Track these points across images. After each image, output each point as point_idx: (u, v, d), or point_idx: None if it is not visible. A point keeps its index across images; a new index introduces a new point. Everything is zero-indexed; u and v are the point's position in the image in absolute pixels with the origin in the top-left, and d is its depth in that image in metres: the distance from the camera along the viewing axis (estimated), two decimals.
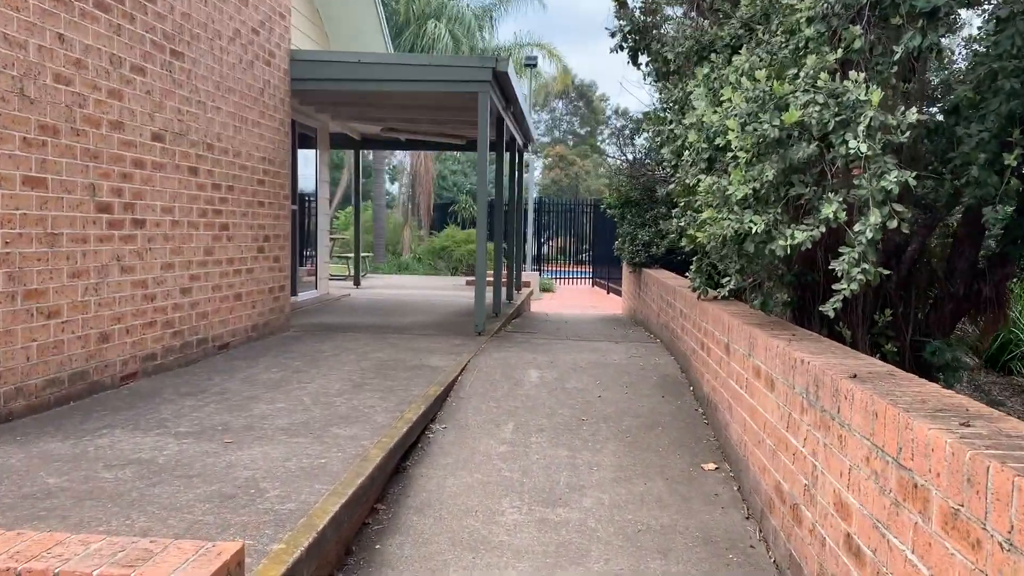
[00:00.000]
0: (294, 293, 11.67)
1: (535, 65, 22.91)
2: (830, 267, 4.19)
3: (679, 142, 6.83)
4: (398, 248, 25.77)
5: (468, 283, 17.09)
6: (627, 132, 12.65)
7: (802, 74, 4.44)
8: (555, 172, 52.02)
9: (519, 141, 13.62)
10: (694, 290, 6.65)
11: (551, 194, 49.97)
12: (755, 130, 4.49)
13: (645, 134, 12.29)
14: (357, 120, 12.98)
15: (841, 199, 4.17)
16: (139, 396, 5.69)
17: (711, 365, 6.01)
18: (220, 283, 7.51)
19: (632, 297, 13.13)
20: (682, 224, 6.80)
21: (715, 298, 6.50)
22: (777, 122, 4.36)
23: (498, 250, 12.67)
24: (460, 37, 24.46)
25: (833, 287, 4.11)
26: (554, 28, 78.65)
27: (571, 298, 19.64)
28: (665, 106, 8.26)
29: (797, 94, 4.33)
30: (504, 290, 13.20)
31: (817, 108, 4.17)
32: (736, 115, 4.66)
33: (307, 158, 12.55)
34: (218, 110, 7.42)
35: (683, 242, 6.91)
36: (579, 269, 24.96)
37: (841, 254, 4.07)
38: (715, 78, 5.93)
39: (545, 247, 26.15)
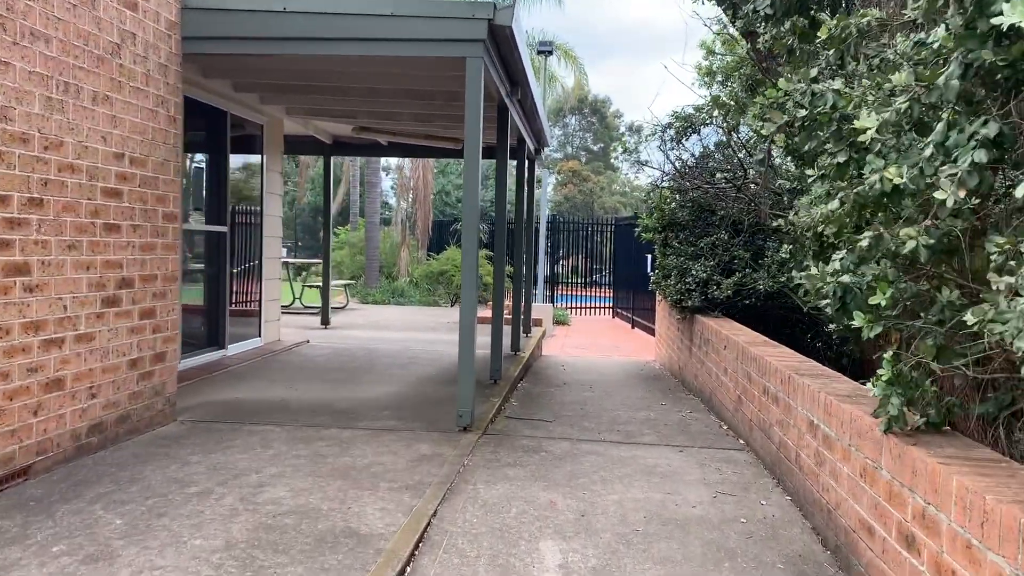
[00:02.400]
0: (221, 346, 8.39)
1: (550, 52, 19.51)
2: None
3: (837, 125, 3.53)
4: (394, 271, 22.49)
5: None
6: (672, 132, 9.24)
7: None
8: (568, 188, 48.85)
9: (529, 145, 10.36)
10: (882, 418, 3.27)
11: (564, 211, 46.81)
12: None
13: (709, 127, 8.98)
14: (318, 114, 9.75)
15: None
16: None
17: None
18: (5, 366, 4.24)
19: (676, 347, 9.82)
20: (834, 268, 3.47)
21: (917, 429, 3.17)
22: None
23: (499, 283, 9.41)
24: None
25: None
26: (569, 41, 75.52)
27: (590, 334, 16.29)
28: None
29: None
30: (510, 335, 9.90)
31: None
32: None
33: (252, 166, 9.32)
34: (4, 68, 4.18)
35: (810, 296, 3.70)
36: (597, 294, 21.59)
37: None
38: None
39: (558, 266, 22.83)
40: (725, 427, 6.54)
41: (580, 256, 23.73)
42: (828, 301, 3.41)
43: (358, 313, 15.05)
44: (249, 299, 9.30)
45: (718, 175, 9.24)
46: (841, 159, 3.41)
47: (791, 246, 5.93)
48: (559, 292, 21.42)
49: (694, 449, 5.80)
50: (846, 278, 3.25)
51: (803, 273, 3.74)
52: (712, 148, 9.56)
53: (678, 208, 9.68)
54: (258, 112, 9.11)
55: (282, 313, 12.72)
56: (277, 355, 8.95)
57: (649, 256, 15.78)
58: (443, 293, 18.71)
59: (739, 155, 8.50)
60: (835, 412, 3.90)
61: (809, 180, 4.10)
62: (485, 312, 12.98)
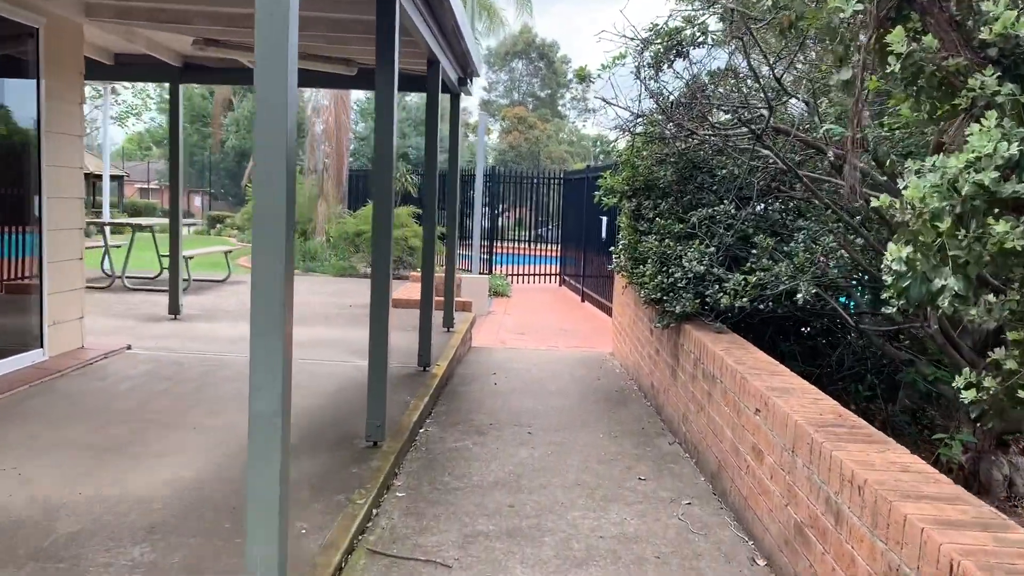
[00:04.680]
0: None
1: None
2: None
3: None
4: (310, 229, 19.16)
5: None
6: (650, 54, 6.21)
7: None
8: (513, 136, 45.66)
9: (449, 71, 7.25)
10: None
11: (509, 160, 43.56)
12: None
13: (703, 48, 6.02)
14: (130, 16, 6.45)
15: None
16: None
17: None
18: None
19: (647, 355, 6.95)
20: None
21: None
22: None
23: (429, 249, 6.51)
24: None
25: None
26: None
27: (534, 310, 13.37)
28: None
29: None
30: (437, 322, 6.90)
31: None
32: None
33: (25, 89, 6.03)
34: None
35: None
36: (542, 254, 18.60)
37: None
38: None
39: (499, 222, 19.72)
40: (763, 562, 3.67)
41: (524, 211, 20.67)
42: None
43: (236, 289, 11.79)
44: (22, 290, 6.10)
45: (722, 116, 6.27)
46: None
47: (907, 242, 3.09)
48: (499, 251, 18.32)
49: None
50: None
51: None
52: (707, 79, 6.56)
53: (656, 164, 6.71)
54: (29, 10, 5.83)
55: (139, 289, 9.53)
56: (54, 381, 5.80)
57: (604, 219, 12.86)
58: (361, 258, 15.54)
59: (759, 84, 5.52)
60: None
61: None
62: (402, 291, 9.82)
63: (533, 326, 11.63)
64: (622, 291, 8.56)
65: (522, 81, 58.44)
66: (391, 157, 4.68)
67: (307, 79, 8.09)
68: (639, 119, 6.74)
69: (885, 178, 4.93)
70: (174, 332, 7.76)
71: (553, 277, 17.65)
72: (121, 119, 33.44)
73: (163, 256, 11.01)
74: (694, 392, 5.23)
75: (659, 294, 5.87)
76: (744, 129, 5.48)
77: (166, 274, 11.84)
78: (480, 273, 15.32)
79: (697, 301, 5.49)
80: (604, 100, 6.89)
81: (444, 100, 8.07)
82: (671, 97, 6.65)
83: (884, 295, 3.75)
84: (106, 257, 10.78)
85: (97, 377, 5.96)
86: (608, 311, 12.43)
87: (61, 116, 6.27)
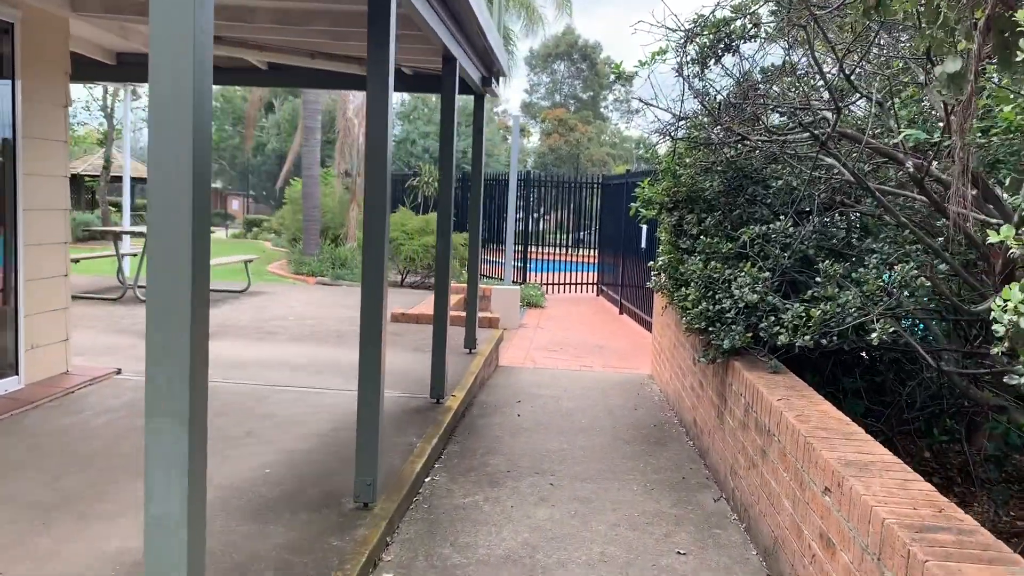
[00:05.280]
0: None
1: None
2: None
3: None
4: (342, 234, 18.60)
5: (406, 318, 10.01)
6: (694, 49, 5.39)
7: None
8: (554, 138, 44.90)
9: (469, 70, 6.53)
10: None
11: (549, 163, 42.80)
12: None
13: (755, 42, 5.24)
14: (119, 9, 5.84)
15: None
16: None
17: None
18: None
19: (689, 386, 6.14)
20: None
21: None
22: None
23: (443, 263, 5.87)
24: None
25: None
26: None
27: (568, 324, 12.59)
28: None
29: None
30: (457, 342, 6.17)
31: None
32: None
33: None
34: None
35: None
36: (579, 260, 17.73)
37: None
38: None
39: (535, 225, 18.87)
40: None
41: (561, 216, 19.84)
42: None
43: (254, 302, 11.21)
44: None
45: (775, 118, 5.45)
46: None
47: None
48: (534, 257, 17.51)
49: None
50: None
51: None
52: (760, 77, 5.73)
53: (701, 174, 5.91)
54: (1, 2, 5.24)
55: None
56: (23, 415, 5.18)
57: (644, 227, 12.03)
58: (390, 266, 14.88)
59: (824, 81, 4.68)
60: None
61: None
62: (427, 304, 9.28)
63: (566, 342, 10.86)
64: (663, 310, 7.75)
65: (564, 83, 57.77)
66: (385, 154, 3.96)
67: (316, 80, 7.44)
68: (681, 122, 5.94)
69: (976, 191, 4.07)
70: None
71: (590, 287, 16.83)
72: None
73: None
74: (744, 444, 4.42)
75: (703, 323, 5.06)
76: (805, 134, 4.65)
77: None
78: (513, 282, 14.59)
79: (749, 335, 4.68)
80: (642, 101, 6.10)
81: (467, 101, 7.34)
82: (718, 97, 5.85)
83: (994, 349, 2.94)
84: (121, 266, 10.25)
85: (73, 410, 5.34)
86: (647, 325, 11.61)
87: (41, 119, 5.68)
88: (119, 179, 31.36)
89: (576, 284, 16.81)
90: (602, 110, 56.80)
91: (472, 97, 7.55)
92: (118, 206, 31.41)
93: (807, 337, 4.13)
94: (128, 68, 7.57)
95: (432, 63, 6.17)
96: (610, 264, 15.34)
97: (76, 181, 29.35)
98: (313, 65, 6.97)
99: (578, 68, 56.75)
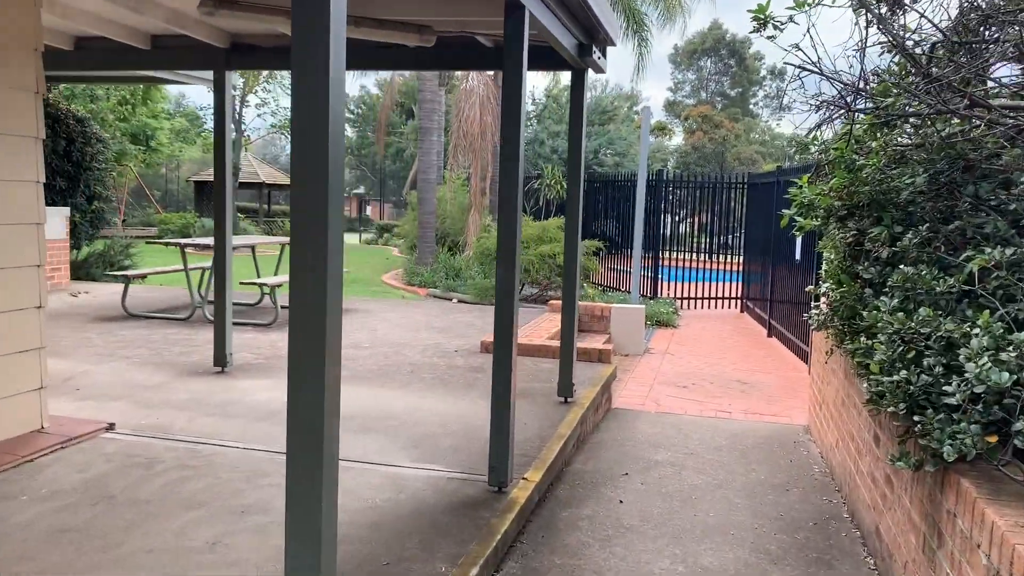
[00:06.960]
0: None
1: None
2: None
3: None
4: (461, 242, 17.22)
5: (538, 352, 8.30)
6: None
7: None
8: (697, 136, 42.18)
9: (557, 32, 4.77)
10: None
11: (691, 162, 40.12)
12: None
13: None
14: None
15: None
16: None
17: None
18: None
19: (863, 471, 4.10)
20: None
21: None
22: None
23: (571, 278, 4.14)
24: None
25: None
26: None
27: (704, 350, 10.53)
28: None
29: None
30: (548, 386, 4.43)
31: None
32: None
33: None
34: None
35: None
36: (720, 268, 15.44)
37: None
38: None
39: (671, 228, 16.69)
40: None
41: (700, 220, 17.58)
42: None
43: (362, 317, 9.87)
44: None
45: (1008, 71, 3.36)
46: None
47: None
48: (666, 263, 15.31)
49: None
50: None
51: None
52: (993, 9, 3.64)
53: (893, 164, 3.87)
54: None
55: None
56: None
57: (799, 238, 9.82)
58: None
59: None
60: None
61: None
62: (531, 327, 7.20)
63: (700, 374, 8.85)
64: (827, 355, 5.67)
65: (710, 80, 54.91)
66: (518, 146, 2.31)
67: (366, 59, 5.88)
68: (862, 90, 3.91)
69: None
70: (195, 398, 5.74)
71: (732, 301, 14.59)
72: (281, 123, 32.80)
73: (261, 283, 9.26)
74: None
75: (901, 405, 3.07)
76: None
77: (267, 300, 10.18)
78: (641, 296, 12.66)
79: (994, 439, 2.66)
80: (800, 67, 4.09)
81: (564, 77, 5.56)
82: (919, 48, 3.81)
83: None
84: (190, 281, 9.17)
85: (12, 491, 3.99)
86: (803, 355, 9.41)
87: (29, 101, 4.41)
88: (248, 185, 31.63)
89: (716, 298, 14.61)
90: (751, 106, 53.37)
91: (569, 72, 5.78)
92: (246, 211, 31.61)
93: None
94: (162, 52, 6.33)
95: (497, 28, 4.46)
96: (757, 274, 13.08)
97: (204, 188, 30.07)
98: (367, 36, 5.39)
99: (726, 64, 53.83)
